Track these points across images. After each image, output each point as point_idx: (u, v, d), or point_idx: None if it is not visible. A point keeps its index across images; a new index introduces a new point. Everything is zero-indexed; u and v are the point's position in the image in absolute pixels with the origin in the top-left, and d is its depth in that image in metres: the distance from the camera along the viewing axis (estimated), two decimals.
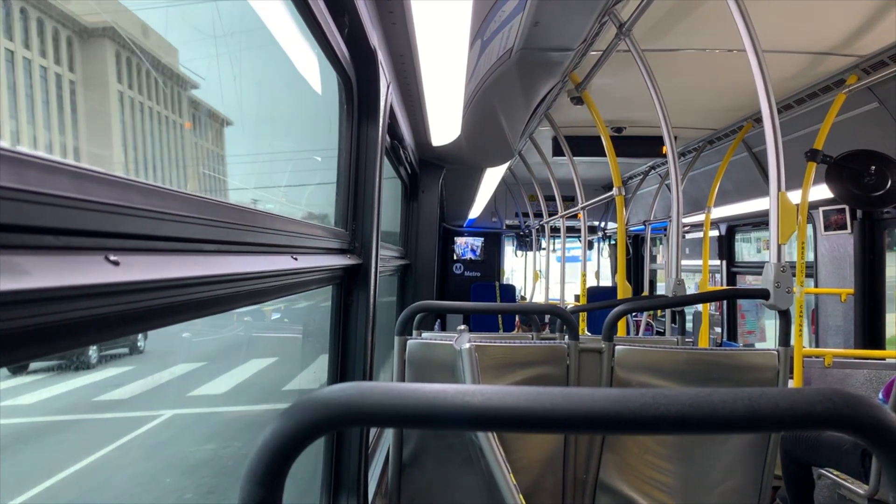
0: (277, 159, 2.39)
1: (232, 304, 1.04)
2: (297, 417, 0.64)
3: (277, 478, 0.64)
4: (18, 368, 1.85)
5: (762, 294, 2.44)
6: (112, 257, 0.64)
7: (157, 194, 0.75)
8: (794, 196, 2.76)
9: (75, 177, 0.59)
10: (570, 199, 7.43)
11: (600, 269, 11.97)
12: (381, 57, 2.03)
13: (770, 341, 7.67)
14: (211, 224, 0.90)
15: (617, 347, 2.48)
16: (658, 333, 9.32)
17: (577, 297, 8.70)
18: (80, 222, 0.60)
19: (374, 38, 1.92)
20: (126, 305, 0.68)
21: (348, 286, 1.98)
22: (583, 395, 0.64)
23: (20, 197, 0.51)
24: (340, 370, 1.96)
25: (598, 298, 8.57)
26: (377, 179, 2.04)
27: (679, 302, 3.17)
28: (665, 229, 8.98)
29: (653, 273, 10.30)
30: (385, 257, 3.53)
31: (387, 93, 2.12)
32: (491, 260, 11.65)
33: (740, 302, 7.61)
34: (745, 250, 7.78)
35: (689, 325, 6.43)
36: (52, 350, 0.59)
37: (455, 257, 11.62)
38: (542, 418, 0.63)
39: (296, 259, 1.31)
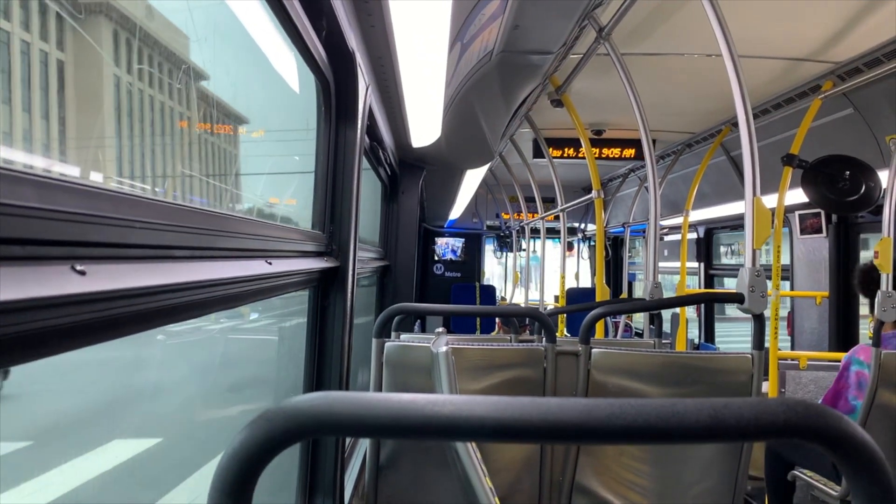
0: (255, 160, 2.37)
1: (204, 310, 1.03)
2: (265, 427, 0.63)
3: (245, 488, 0.64)
4: None
5: (737, 298, 2.46)
6: (78, 266, 0.63)
7: (126, 202, 0.75)
8: (771, 200, 2.79)
9: (40, 186, 0.58)
10: (550, 201, 7.46)
11: (580, 270, 12.02)
12: (360, 59, 2.03)
13: None
14: (181, 230, 0.89)
15: (593, 350, 2.50)
16: (637, 334, 9.38)
17: (556, 298, 8.73)
18: (45, 231, 0.59)
19: (353, 41, 1.91)
20: (93, 314, 0.67)
21: (325, 289, 1.97)
22: (551, 406, 0.64)
23: None
24: (316, 375, 1.95)
25: (578, 299, 8.62)
26: (355, 181, 2.04)
27: (656, 305, 3.20)
28: (644, 231, 9.03)
29: (631, 275, 10.37)
30: (364, 259, 3.52)
31: (366, 95, 2.11)
32: (471, 261, 11.67)
33: None
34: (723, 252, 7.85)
35: (667, 327, 6.50)
36: (16, 361, 0.58)
37: (436, 258, 11.63)
38: (511, 428, 0.63)
39: (270, 263, 1.30)
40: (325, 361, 1.96)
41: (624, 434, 0.62)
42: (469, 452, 1.96)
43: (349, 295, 2.01)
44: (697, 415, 0.62)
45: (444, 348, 2.04)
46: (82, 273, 0.63)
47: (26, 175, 0.57)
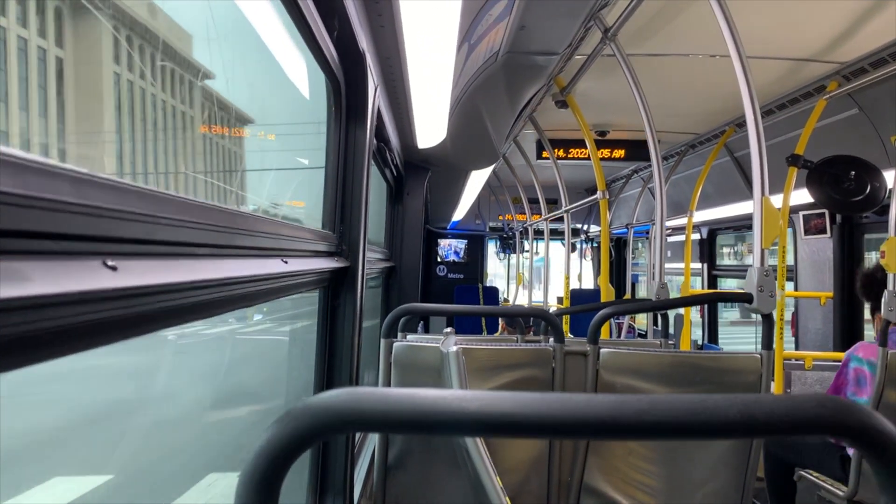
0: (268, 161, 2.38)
1: (224, 308, 1.03)
2: (293, 424, 0.64)
3: (274, 484, 0.64)
4: None
5: (745, 298, 2.46)
6: (109, 262, 0.63)
7: (152, 198, 0.75)
8: (776, 200, 2.79)
9: (74, 181, 0.59)
10: (553, 202, 7.46)
11: (583, 271, 12.02)
12: (370, 59, 2.03)
13: None
14: (204, 228, 0.89)
15: (602, 350, 2.50)
16: (640, 335, 9.38)
17: (559, 300, 8.73)
18: (79, 227, 0.59)
19: (363, 41, 1.92)
20: (123, 311, 0.68)
21: (335, 289, 1.98)
22: (579, 402, 0.64)
23: (22, 202, 0.51)
24: (327, 374, 1.95)
25: (582, 301, 8.61)
26: (364, 182, 2.04)
27: (663, 305, 3.20)
28: (647, 232, 9.03)
29: (635, 276, 10.37)
30: (371, 259, 3.52)
31: (374, 95, 2.12)
32: (474, 262, 11.67)
33: None
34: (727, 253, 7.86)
35: (671, 328, 6.50)
36: (50, 356, 0.58)
37: (439, 259, 11.63)
38: (539, 424, 0.64)
39: (286, 262, 1.31)
40: (335, 362, 1.96)
41: (654, 429, 0.63)
42: (480, 452, 1.96)
43: (359, 295, 2.01)
44: (728, 410, 0.62)
45: (454, 348, 2.04)
46: (113, 269, 0.63)
47: (61, 170, 0.57)
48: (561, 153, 5.95)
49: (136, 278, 0.68)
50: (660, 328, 3.25)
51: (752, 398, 0.63)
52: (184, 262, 0.83)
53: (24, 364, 0.54)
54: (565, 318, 6.49)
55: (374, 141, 2.80)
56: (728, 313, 9.46)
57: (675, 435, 0.63)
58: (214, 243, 0.93)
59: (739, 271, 7.38)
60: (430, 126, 3.50)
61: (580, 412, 0.63)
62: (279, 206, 2.53)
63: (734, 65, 2.57)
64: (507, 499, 2.01)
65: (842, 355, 3.94)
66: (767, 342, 2.43)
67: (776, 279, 3.80)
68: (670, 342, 3.39)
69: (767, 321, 2.45)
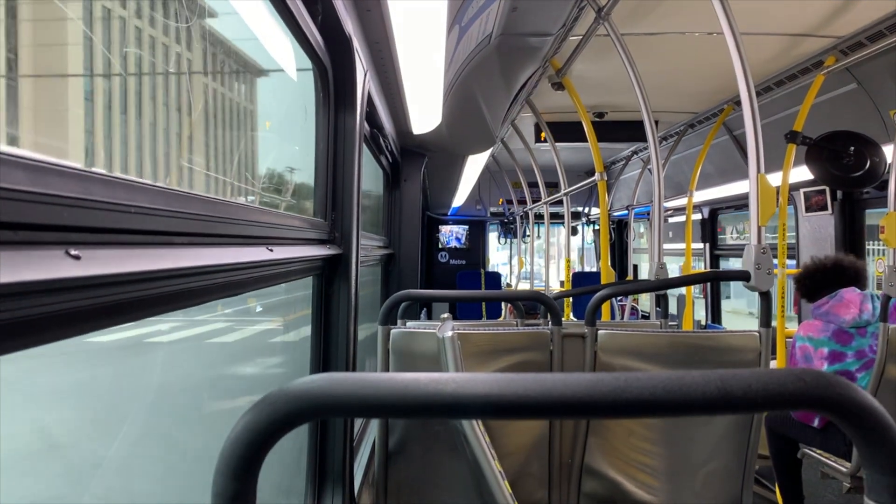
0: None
1: (205, 297, 1.02)
2: (268, 410, 0.63)
3: (250, 471, 0.63)
4: None
5: (743, 276, 2.45)
6: (73, 251, 0.62)
7: (122, 186, 0.74)
8: (775, 178, 2.78)
9: (31, 169, 0.58)
10: (553, 185, 7.44)
11: (584, 254, 12.01)
12: (357, 44, 2.01)
13: None
14: (180, 216, 0.88)
15: (599, 332, 2.49)
16: (643, 317, 9.38)
17: (562, 283, 8.73)
18: (38, 216, 0.58)
19: (349, 26, 1.90)
20: (91, 300, 0.67)
21: (329, 277, 1.97)
22: (556, 381, 0.63)
23: None
24: (322, 362, 1.95)
25: (583, 283, 8.60)
26: (356, 168, 2.03)
27: (661, 286, 3.18)
28: (648, 213, 9.01)
29: (636, 257, 10.36)
30: (368, 247, 3.51)
31: (364, 81, 2.10)
32: (476, 248, 11.66)
33: None
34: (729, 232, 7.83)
35: (673, 309, 6.49)
36: (13, 347, 0.58)
37: (440, 245, 11.63)
38: (515, 404, 0.63)
39: (271, 250, 1.30)
40: (331, 349, 1.95)
41: (630, 407, 0.62)
42: (478, 436, 1.96)
43: (353, 282, 2.00)
44: (705, 387, 0.61)
45: (449, 333, 2.03)
46: (77, 258, 0.63)
47: (17, 159, 0.56)
48: (559, 136, 5.92)
49: (104, 267, 0.67)
50: (660, 309, 3.24)
51: (731, 373, 0.62)
52: (158, 251, 0.82)
53: None
54: (567, 302, 6.49)
55: (367, 126, 2.78)
56: (738, 302, 9.38)
57: (653, 412, 0.62)
58: (192, 231, 0.92)
59: (741, 250, 7.36)
60: (425, 111, 3.48)
61: (556, 391, 0.62)
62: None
63: (728, 41, 2.54)
64: (507, 483, 2.01)
65: None
66: (766, 319, 2.42)
67: (776, 257, 3.79)
68: (671, 323, 3.38)
69: (765, 299, 2.43)
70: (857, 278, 3.37)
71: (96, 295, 0.67)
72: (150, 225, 0.80)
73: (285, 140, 2.36)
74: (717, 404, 0.61)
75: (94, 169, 0.70)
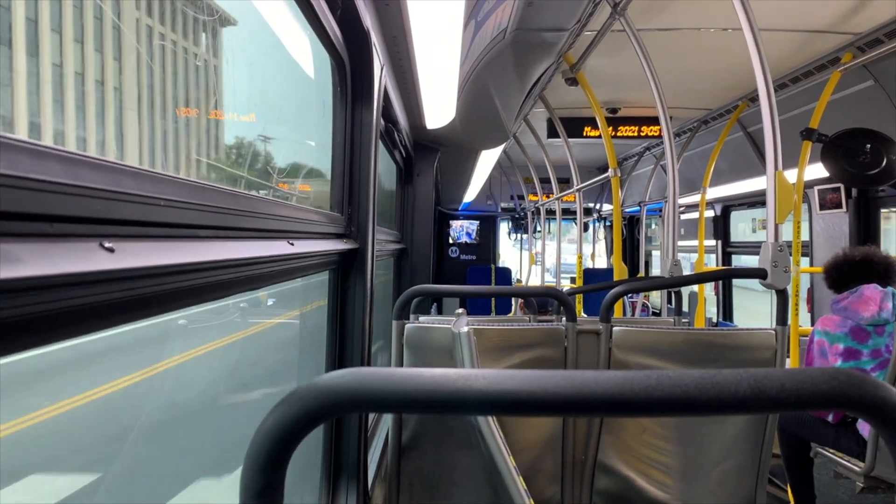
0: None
1: (229, 291, 1.03)
2: (298, 405, 0.63)
3: (279, 465, 0.64)
4: None
5: (760, 273, 2.44)
6: (107, 244, 0.63)
7: (151, 179, 0.74)
8: (790, 175, 2.75)
9: (66, 162, 0.58)
10: (565, 181, 7.42)
11: (595, 250, 11.98)
12: (375, 38, 2.01)
13: None
14: (206, 209, 0.88)
15: (614, 328, 2.48)
16: (654, 314, 9.35)
17: (572, 279, 8.71)
18: (74, 208, 0.59)
19: (367, 20, 1.89)
20: (122, 293, 0.67)
21: (345, 271, 1.97)
22: (587, 378, 0.63)
23: (12, 183, 0.50)
24: (339, 355, 1.95)
25: (594, 280, 8.58)
26: (372, 163, 2.03)
27: (676, 283, 3.17)
28: (660, 210, 8.98)
29: (648, 254, 10.33)
30: (381, 241, 3.51)
31: (381, 75, 2.10)
32: (486, 243, 11.65)
33: None
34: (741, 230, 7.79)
35: (685, 305, 6.46)
36: (49, 340, 0.58)
37: (451, 241, 11.62)
38: (545, 402, 0.63)
39: (292, 244, 1.30)
40: (346, 343, 1.96)
41: (662, 406, 0.61)
42: (493, 432, 1.96)
43: (369, 276, 2.01)
44: (737, 385, 0.61)
45: (465, 328, 2.03)
46: (111, 250, 0.63)
47: (52, 150, 0.56)
48: (572, 131, 5.90)
49: (135, 260, 0.67)
50: (673, 306, 3.22)
51: (763, 373, 0.61)
52: (185, 244, 0.82)
53: (19, 348, 0.54)
54: (578, 298, 6.47)
55: (382, 121, 2.78)
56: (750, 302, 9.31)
57: (685, 411, 0.62)
58: (216, 225, 0.92)
59: (754, 247, 7.32)
60: (439, 106, 3.47)
61: (587, 389, 0.62)
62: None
63: (746, 38, 2.52)
64: (521, 478, 2.01)
65: None
66: (782, 318, 2.41)
67: (791, 255, 3.76)
68: (684, 320, 3.36)
69: (782, 297, 2.42)
70: (886, 274, 3.28)
71: (129, 287, 0.67)
72: (176, 218, 0.80)
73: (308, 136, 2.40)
74: (749, 403, 0.61)
75: (124, 161, 0.70)
